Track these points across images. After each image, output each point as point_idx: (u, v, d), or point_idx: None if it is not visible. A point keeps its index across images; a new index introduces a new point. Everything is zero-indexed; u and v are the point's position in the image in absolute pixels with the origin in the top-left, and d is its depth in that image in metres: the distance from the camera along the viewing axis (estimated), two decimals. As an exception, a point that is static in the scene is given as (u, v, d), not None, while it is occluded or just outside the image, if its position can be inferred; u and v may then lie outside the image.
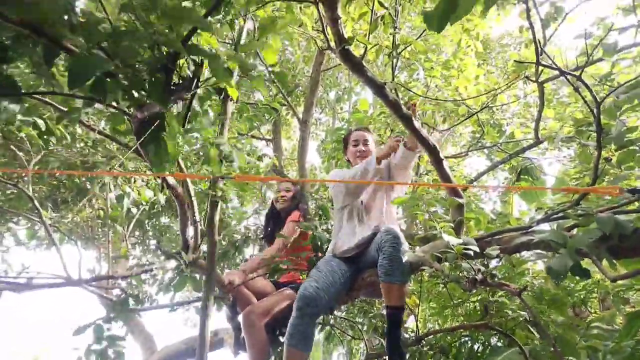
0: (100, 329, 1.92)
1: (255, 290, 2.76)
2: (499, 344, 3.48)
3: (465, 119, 5.25)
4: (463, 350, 3.27)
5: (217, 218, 1.72)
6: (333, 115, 8.16)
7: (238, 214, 2.59)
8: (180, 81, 1.39)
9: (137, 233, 6.82)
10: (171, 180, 1.83)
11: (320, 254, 2.60)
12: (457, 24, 5.16)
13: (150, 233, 6.98)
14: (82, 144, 3.43)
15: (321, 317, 2.88)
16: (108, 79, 1.30)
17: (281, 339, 2.78)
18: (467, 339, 3.33)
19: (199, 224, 2.20)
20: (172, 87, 1.36)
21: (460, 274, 1.81)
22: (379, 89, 2.04)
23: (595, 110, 1.79)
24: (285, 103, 6.31)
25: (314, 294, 2.12)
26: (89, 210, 5.05)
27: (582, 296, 2.89)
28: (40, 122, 1.70)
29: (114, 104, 1.55)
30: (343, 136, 2.80)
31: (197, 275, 2.36)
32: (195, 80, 1.41)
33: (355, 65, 2.00)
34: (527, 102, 5.34)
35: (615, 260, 1.71)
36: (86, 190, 4.05)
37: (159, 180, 1.76)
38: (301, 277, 2.85)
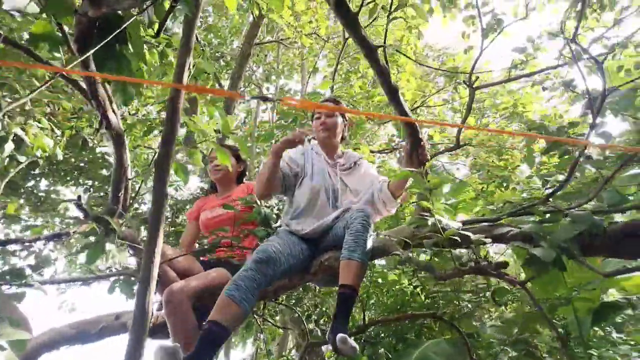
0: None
1: (179, 269, 2.36)
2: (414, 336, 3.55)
3: (395, 118, 5.30)
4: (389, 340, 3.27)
5: (171, 160, 1.33)
6: (260, 94, 7.73)
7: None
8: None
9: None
10: (113, 116, 1.39)
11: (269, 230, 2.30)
12: (401, 21, 5.19)
13: (23, 199, 5.89)
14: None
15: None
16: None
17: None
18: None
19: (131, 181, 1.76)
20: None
21: (442, 261, 1.69)
22: (370, 52, 1.83)
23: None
24: (208, 72, 5.85)
25: (275, 255, 1.88)
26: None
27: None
28: None
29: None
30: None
31: (115, 244, 1.91)
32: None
33: (349, 20, 1.77)
34: (454, 106, 5.61)
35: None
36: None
37: (98, 117, 1.32)
38: (233, 257, 2.51)
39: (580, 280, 2.33)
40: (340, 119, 2.41)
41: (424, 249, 2.21)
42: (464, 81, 4.29)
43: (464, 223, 1.96)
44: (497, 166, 5.83)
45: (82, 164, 6.11)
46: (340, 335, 1.68)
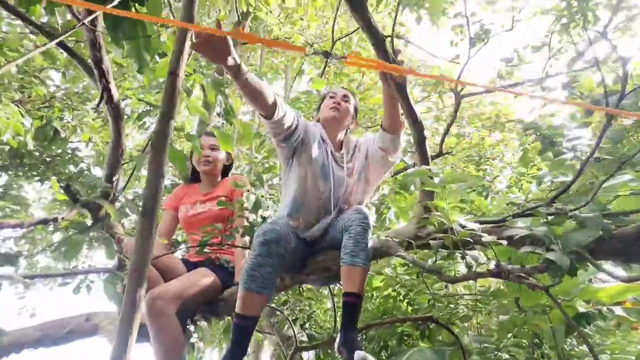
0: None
1: (161, 266, 2.20)
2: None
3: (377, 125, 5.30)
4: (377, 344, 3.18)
5: (168, 139, 1.19)
6: (232, 92, 7.52)
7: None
8: None
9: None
10: (114, 90, 1.25)
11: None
12: (387, 26, 5.20)
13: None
14: None
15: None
16: None
17: (192, 329, 2.27)
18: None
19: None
20: None
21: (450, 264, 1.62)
22: (378, 42, 1.76)
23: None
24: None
25: (282, 233, 1.77)
26: None
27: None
28: None
29: None
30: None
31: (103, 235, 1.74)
32: None
33: (357, 4, 1.69)
34: (438, 115, 5.65)
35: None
36: None
37: (99, 90, 1.18)
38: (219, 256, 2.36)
39: (561, 288, 2.32)
40: (352, 110, 2.26)
41: (423, 250, 2.15)
42: (451, 89, 4.32)
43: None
44: (475, 175, 5.90)
45: (48, 159, 5.76)
46: (359, 352, 1.62)
